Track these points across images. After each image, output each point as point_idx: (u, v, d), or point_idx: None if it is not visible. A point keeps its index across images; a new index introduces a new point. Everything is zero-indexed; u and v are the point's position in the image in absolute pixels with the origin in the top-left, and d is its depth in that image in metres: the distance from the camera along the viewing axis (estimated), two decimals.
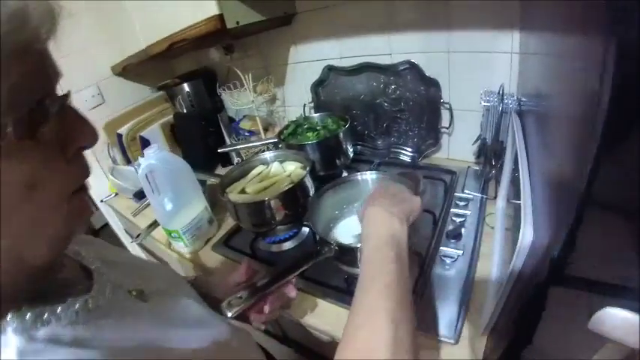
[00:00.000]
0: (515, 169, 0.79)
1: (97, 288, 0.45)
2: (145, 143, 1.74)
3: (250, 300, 0.66)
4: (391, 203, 0.66)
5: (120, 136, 1.73)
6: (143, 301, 0.50)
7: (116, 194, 1.74)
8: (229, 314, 0.64)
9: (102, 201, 1.80)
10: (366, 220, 0.65)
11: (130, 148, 1.75)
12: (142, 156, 1.07)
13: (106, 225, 2.09)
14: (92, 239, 0.62)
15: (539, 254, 0.46)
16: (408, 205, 0.68)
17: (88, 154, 1.32)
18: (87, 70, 1.64)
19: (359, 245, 0.69)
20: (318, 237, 0.84)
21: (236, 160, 1.60)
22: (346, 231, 0.96)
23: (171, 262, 1.42)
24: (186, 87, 1.64)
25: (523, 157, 0.65)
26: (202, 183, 1.33)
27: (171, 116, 1.77)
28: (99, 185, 1.76)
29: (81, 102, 1.63)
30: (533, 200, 0.54)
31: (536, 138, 0.65)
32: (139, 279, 0.55)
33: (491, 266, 0.82)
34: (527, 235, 0.48)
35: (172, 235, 1.16)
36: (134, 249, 2.04)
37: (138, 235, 1.29)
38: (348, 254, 0.79)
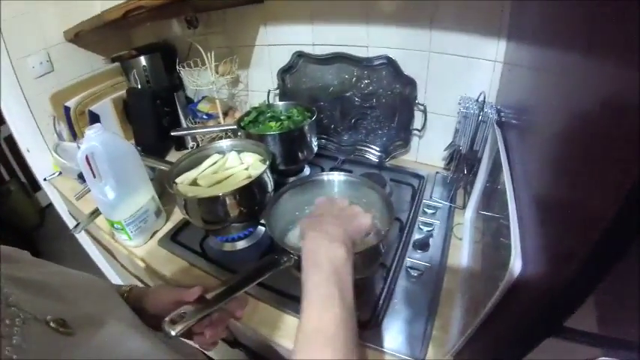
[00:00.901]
0: (493, 181, 0.75)
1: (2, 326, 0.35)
2: (94, 119, 1.59)
3: (196, 316, 0.58)
4: (335, 224, 0.61)
5: (67, 109, 1.56)
6: (67, 334, 0.40)
7: (60, 173, 1.59)
8: (172, 333, 0.55)
9: (45, 179, 1.64)
10: (305, 248, 0.59)
11: (77, 123, 1.59)
12: None
13: (51, 204, 1.93)
14: (4, 250, 0.50)
15: (529, 291, 0.41)
16: (356, 224, 0.63)
17: (32, 126, 1.16)
18: (36, 35, 1.45)
19: None
20: (276, 244, 0.76)
21: (191, 144, 1.49)
22: None
23: (117, 255, 1.30)
24: (142, 60, 1.50)
25: (507, 171, 0.60)
26: (152, 169, 1.22)
27: (125, 91, 1.62)
28: (43, 161, 1.61)
29: (27, 69, 1.44)
30: (521, 223, 0.48)
31: (522, 154, 0.60)
32: (62, 303, 0.45)
33: (459, 281, 0.78)
34: (516, 266, 0.43)
35: (115, 226, 1.05)
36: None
37: (77, 225, 1.16)
38: None
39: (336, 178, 0.91)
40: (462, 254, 0.84)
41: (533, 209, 0.47)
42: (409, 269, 0.85)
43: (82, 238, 1.95)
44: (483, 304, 0.52)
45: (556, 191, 0.41)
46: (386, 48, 1.12)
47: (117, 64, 1.63)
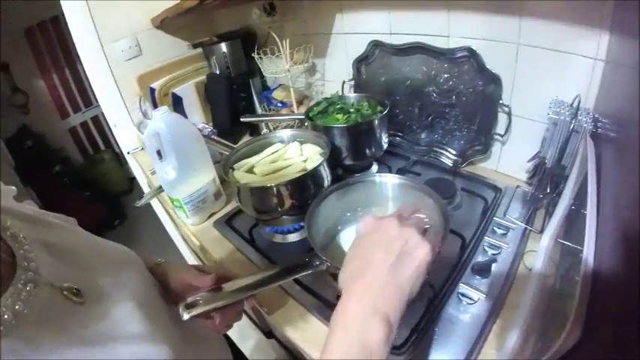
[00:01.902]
0: (578, 205, 0.61)
1: (12, 290, 0.37)
2: (177, 100, 1.67)
3: (208, 306, 0.59)
4: (383, 275, 0.45)
5: (153, 90, 1.67)
6: (78, 303, 0.42)
7: (142, 148, 1.69)
8: (185, 317, 0.57)
9: (128, 152, 1.76)
10: (336, 311, 0.46)
11: (161, 103, 1.69)
12: None
13: None
14: (39, 215, 0.52)
15: None
16: (415, 264, 0.46)
17: (119, 104, 1.22)
18: (126, 21, 1.56)
19: None
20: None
21: (264, 131, 1.48)
22: (353, 239, 0.81)
23: (179, 229, 1.35)
24: (223, 47, 1.52)
25: (592, 195, 0.47)
26: (221, 153, 1.23)
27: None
28: (128, 136, 1.73)
29: (117, 52, 1.57)
30: (597, 270, 0.37)
31: (617, 176, 0.47)
32: (81, 271, 0.47)
33: (515, 321, 0.65)
34: (572, 336, 0.32)
35: (174, 203, 1.07)
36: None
37: (141, 198, 1.21)
38: None
39: (390, 180, 0.82)
40: (528, 289, 0.71)
41: (619, 253, 0.35)
42: (460, 296, 0.73)
43: (159, 209, 2.07)
44: None
45: None
46: (469, 39, 0.99)
47: (199, 49, 1.68)
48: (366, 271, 0.46)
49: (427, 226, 0.53)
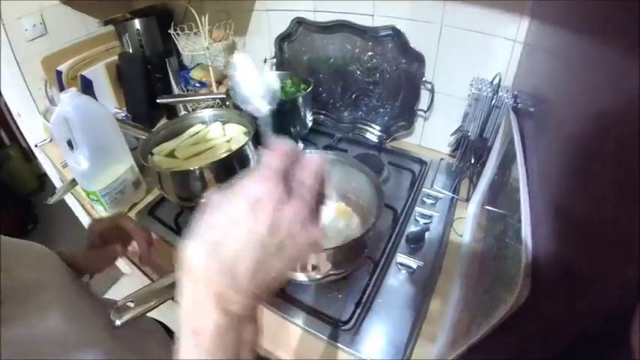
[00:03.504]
0: (502, 174, 0.65)
1: None
2: (87, 84, 1.52)
3: (142, 307, 0.56)
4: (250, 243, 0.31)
5: (59, 73, 1.50)
6: None
7: (51, 139, 1.53)
8: (118, 322, 0.53)
9: (36, 145, 1.59)
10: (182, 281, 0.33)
11: (69, 87, 1.53)
12: None
13: None
14: None
15: (539, 322, 0.35)
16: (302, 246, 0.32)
17: (23, 90, 1.10)
18: None
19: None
20: None
21: (182, 113, 1.40)
22: None
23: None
24: (136, 23, 1.41)
25: (522, 166, 0.50)
26: (137, 138, 1.14)
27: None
28: (35, 127, 1.55)
29: (20, 32, 1.37)
30: (536, 233, 0.39)
31: (540, 148, 0.50)
32: None
33: (452, 286, 0.68)
34: (524, 292, 0.36)
35: (90, 197, 0.99)
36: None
37: (53, 194, 1.10)
38: None
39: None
40: (461, 253, 0.74)
41: (551, 218, 0.38)
42: (399, 265, 0.75)
43: (75, 205, 1.91)
44: (478, 323, 0.45)
45: (581, 202, 0.31)
46: (393, 18, 1.00)
47: (111, 27, 1.54)
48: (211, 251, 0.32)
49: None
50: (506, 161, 0.65)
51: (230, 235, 0.30)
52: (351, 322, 0.67)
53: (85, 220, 1.96)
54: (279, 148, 0.32)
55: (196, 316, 0.31)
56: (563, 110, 0.44)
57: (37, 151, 1.63)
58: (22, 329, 0.42)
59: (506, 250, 0.49)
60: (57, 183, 1.82)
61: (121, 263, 2.13)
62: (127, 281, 2.21)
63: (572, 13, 0.47)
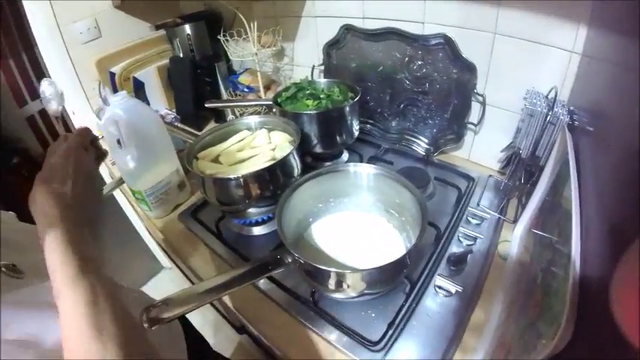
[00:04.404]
0: (554, 196, 0.60)
1: None
2: (139, 85, 1.58)
3: (181, 309, 0.53)
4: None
5: (112, 74, 1.56)
6: (17, 277, 0.49)
7: (102, 137, 1.59)
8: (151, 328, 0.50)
9: None
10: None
11: (122, 88, 1.59)
12: None
13: None
14: None
15: None
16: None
17: (78, 90, 1.15)
18: (84, 1, 1.43)
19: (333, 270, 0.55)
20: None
21: (230, 117, 1.42)
22: (325, 231, 0.78)
23: (135, 223, 1.28)
24: (187, 28, 1.44)
25: (575, 189, 0.45)
26: (185, 141, 1.17)
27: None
28: (87, 124, 1.59)
29: (75, 34, 1.44)
30: (585, 266, 0.35)
31: (598, 170, 0.45)
32: (18, 252, 0.52)
33: (490, 314, 0.64)
34: (565, 335, 0.30)
35: (136, 195, 1.01)
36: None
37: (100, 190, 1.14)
38: (318, 274, 0.62)
39: (365, 170, 0.79)
40: (504, 279, 0.70)
41: (607, 246, 0.34)
42: (437, 288, 0.71)
43: (122, 200, 1.98)
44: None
45: None
46: (444, 26, 0.96)
47: (162, 31, 1.59)
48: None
49: None
50: (559, 184, 0.61)
51: None
52: (382, 343, 0.64)
53: (133, 217, 2.03)
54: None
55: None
56: (628, 128, 0.40)
57: None
58: (42, 295, 0.46)
59: (553, 281, 0.45)
60: (107, 178, 1.90)
61: (161, 257, 2.19)
62: (165, 276, 2.26)
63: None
